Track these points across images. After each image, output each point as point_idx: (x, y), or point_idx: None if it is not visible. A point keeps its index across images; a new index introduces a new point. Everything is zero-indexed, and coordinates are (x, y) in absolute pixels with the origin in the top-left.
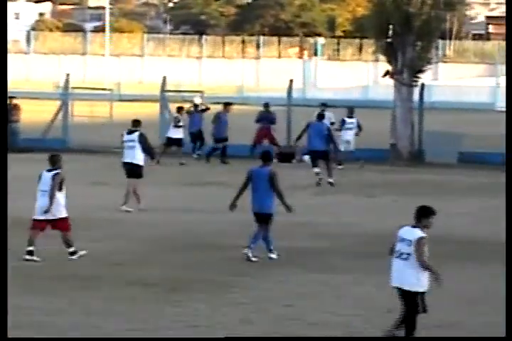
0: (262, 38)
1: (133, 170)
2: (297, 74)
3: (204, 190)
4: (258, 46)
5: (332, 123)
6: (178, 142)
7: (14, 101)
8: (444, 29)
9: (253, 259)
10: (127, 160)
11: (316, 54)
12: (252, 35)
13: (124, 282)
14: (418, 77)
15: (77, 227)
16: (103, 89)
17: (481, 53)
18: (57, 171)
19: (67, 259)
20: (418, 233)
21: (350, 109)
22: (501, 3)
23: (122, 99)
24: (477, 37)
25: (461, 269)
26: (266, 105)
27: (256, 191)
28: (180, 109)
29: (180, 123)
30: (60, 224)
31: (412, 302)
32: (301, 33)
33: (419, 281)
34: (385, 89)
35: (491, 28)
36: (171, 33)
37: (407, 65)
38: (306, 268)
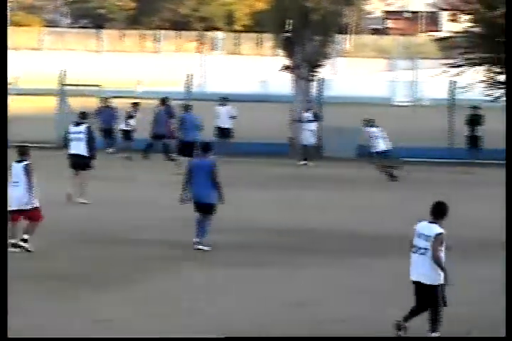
0: (160, 32)
1: (80, 162)
2: (196, 69)
3: (122, 184)
4: (157, 40)
5: (232, 117)
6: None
7: None
8: (342, 24)
9: (206, 249)
10: (74, 151)
11: (215, 48)
12: (150, 29)
13: (32, 276)
14: (316, 72)
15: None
16: None
17: (379, 48)
18: (27, 162)
19: None
20: (437, 229)
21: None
22: None
23: (21, 93)
24: (375, 31)
25: (360, 263)
26: (165, 99)
27: (197, 182)
28: (135, 104)
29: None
30: (33, 214)
31: (433, 296)
32: (200, 27)
33: (437, 275)
34: (283, 83)
35: (389, 23)
36: (70, 27)
37: (305, 59)
38: (210, 263)
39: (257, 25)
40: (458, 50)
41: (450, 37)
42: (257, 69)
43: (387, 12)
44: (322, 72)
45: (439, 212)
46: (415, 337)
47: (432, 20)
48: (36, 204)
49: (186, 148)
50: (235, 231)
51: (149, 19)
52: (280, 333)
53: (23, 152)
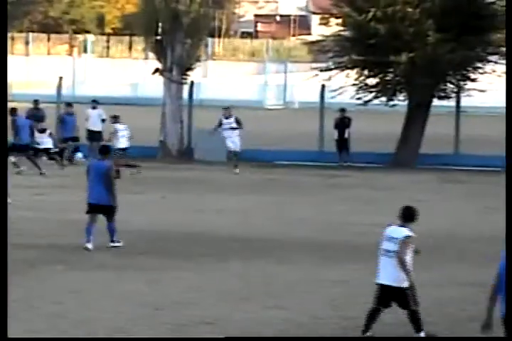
0: (30, 34)
1: None
2: (67, 72)
3: None
4: (27, 43)
5: (103, 120)
6: None
7: None
8: (213, 27)
9: (90, 248)
10: None
11: (85, 51)
12: (20, 31)
13: None
14: (187, 75)
15: None
16: None
17: (250, 51)
18: None
19: None
20: (406, 232)
21: (227, 108)
22: (269, 2)
23: None
24: (246, 35)
25: (220, 266)
26: (35, 102)
27: (94, 183)
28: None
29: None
30: None
31: (404, 298)
32: (71, 30)
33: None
34: (154, 86)
35: (260, 26)
36: None
37: (176, 62)
38: (72, 266)
39: (128, 28)
40: (329, 53)
41: (321, 40)
42: (128, 72)
43: (259, 15)
44: (193, 75)
45: (408, 215)
46: (415, 337)
47: (303, 24)
48: None
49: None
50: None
51: (19, 21)
52: (140, 335)
53: None
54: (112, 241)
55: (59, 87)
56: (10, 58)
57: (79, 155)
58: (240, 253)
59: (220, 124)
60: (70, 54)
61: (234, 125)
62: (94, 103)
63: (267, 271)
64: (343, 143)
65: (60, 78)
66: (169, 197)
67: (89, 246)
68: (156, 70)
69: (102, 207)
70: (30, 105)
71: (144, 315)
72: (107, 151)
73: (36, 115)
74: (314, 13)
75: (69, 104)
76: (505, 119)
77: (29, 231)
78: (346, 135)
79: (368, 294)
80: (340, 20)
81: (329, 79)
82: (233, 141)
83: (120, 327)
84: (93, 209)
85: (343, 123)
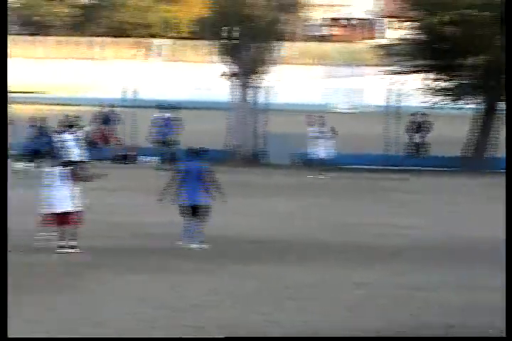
0: (101, 39)
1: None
2: (136, 76)
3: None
4: (97, 47)
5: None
6: None
7: None
8: (283, 31)
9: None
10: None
11: (155, 55)
12: (91, 36)
13: None
14: (255, 79)
15: None
16: None
17: (319, 55)
18: (70, 167)
19: None
20: None
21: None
22: (340, 5)
23: None
24: (315, 39)
25: (242, 269)
26: (105, 105)
27: (187, 184)
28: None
29: None
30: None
31: None
32: (140, 34)
33: None
34: (223, 90)
35: (329, 30)
36: (10, 34)
37: (244, 66)
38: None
39: (197, 32)
40: (397, 57)
41: (390, 44)
42: (196, 76)
43: (328, 19)
44: (261, 79)
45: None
46: (415, 337)
47: (372, 28)
48: (70, 208)
49: None
50: (137, 236)
51: (90, 26)
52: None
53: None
54: (199, 242)
55: (128, 91)
56: (80, 62)
57: (147, 158)
58: (278, 256)
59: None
60: (140, 58)
61: (324, 134)
62: (162, 107)
63: (288, 274)
64: (418, 147)
65: (130, 82)
66: (231, 201)
67: (193, 246)
68: (225, 74)
69: (198, 208)
70: (97, 109)
71: (163, 316)
72: (197, 153)
73: (106, 118)
74: (383, 16)
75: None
76: None
77: (88, 233)
78: (421, 139)
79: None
80: (408, 24)
81: (399, 82)
82: (322, 148)
83: (136, 328)
84: (187, 210)
85: (419, 127)
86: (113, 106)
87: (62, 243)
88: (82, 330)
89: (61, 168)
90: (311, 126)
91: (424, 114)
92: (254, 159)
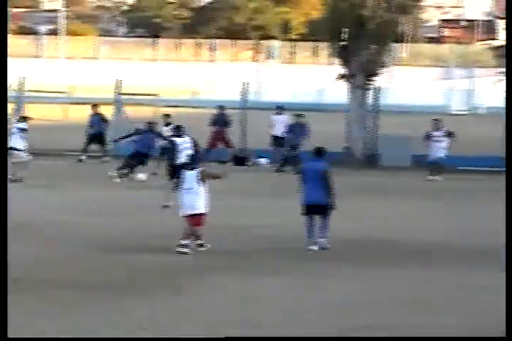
0: (216, 41)
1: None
2: (252, 78)
3: (137, 193)
4: (212, 49)
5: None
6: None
7: None
8: (398, 32)
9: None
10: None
11: (270, 57)
12: (206, 38)
13: (67, 284)
14: (372, 80)
15: (16, 229)
16: (57, 92)
17: (435, 56)
18: (200, 169)
19: (8, 260)
20: None
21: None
22: (455, 7)
23: (77, 102)
24: (431, 40)
25: (391, 271)
26: (220, 108)
27: (310, 184)
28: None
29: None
30: (198, 219)
31: None
32: (256, 36)
33: None
34: (339, 92)
35: (445, 31)
36: (125, 36)
37: (361, 68)
38: (248, 271)
39: (313, 33)
40: None
41: (504, 45)
42: (312, 78)
43: (444, 20)
44: (378, 81)
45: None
46: (416, 337)
47: (488, 29)
48: (203, 210)
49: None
50: (268, 240)
51: (205, 28)
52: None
53: (193, 160)
54: (322, 238)
55: (244, 93)
56: (195, 65)
57: (262, 160)
58: (411, 259)
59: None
60: (255, 60)
61: (441, 136)
62: (280, 109)
63: (431, 277)
64: None
65: (245, 84)
66: (352, 203)
67: (314, 247)
68: (341, 76)
69: (320, 207)
70: (215, 111)
71: (310, 319)
72: (321, 152)
73: (222, 120)
74: (500, 17)
75: (221, 108)
76: None
77: (210, 235)
78: None
79: None
80: None
81: None
82: (440, 150)
83: (309, 331)
84: (310, 210)
85: None
86: (228, 108)
87: (185, 242)
88: (231, 331)
89: (191, 171)
90: (435, 129)
91: None
92: (372, 161)
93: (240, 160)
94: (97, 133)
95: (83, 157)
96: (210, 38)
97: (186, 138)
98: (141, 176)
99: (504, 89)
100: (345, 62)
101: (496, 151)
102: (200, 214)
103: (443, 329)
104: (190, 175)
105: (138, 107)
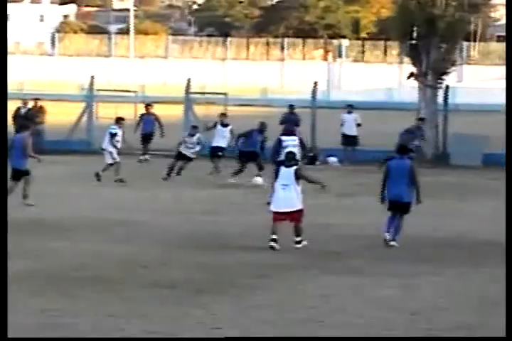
0: (286, 39)
1: None
2: (322, 77)
3: (218, 192)
4: (282, 48)
5: (358, 125)
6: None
7: (39, 103)
8: (469, 31)
9: (397, 245)
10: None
11: (340, 56)
12: (276, 37)
13: (147, 283)
14: (442, 79)
15: (96, 228)
16: (127, 91)
17: (505, 55)
18: (297, 167)
19: (88, 260)
20: None
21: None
22: None
23: (146, 101)
24: (502, 39)
25: (477, 271)
26: (291, 107)
27: (395, 181)
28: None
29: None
30: (297, 216)
31: None
32: (326, 35)
33: None
34: (409, 91)
35: None
36: (195, 35)
37: (431, 66)
38: (327, 270)
39: (383, 32)
40: None
41: None
42: (382, 76)
43: None
44: (448, 80)
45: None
46: (416, 337)
47: None
48: (300, 206)
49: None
50: (347, 239)
51: (275, 27)
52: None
53: (290, 159)
54: (393, 240)
55: (314, 92)
56: (265, 64)
57: (333, 159)
58: (494, 258)
59: None
60: (325, 59)
61: None
62: (350, 108)
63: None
64: None
65: (315, 83)
66: (424, 202)
67: (392, 242)
68: (411, 75)
69: (402, 205)
70: (285, 110)
71: (398, 319)
72: (406, 150)
73: (292, 119)
74: None
75: (291, 107)
76: None
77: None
78: None
79: None
80: None
81: None
82: None
83: (374, 330)
84: (393, 206)
85: None
86: (298, 107)
87: (274, 237)
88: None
89: (289, 168)
90: None
91: None
92: (442, 160)
93: (310, 159)
94: (148, 133)
95: (145, 157)
96: (280, 36)
97: (294, 137)
98: (258, 179)
99: (506, 88)
100: (416, 61)
101: None
102: (299, 211)
103: None
104: (287, 172)
105: (207, 106)
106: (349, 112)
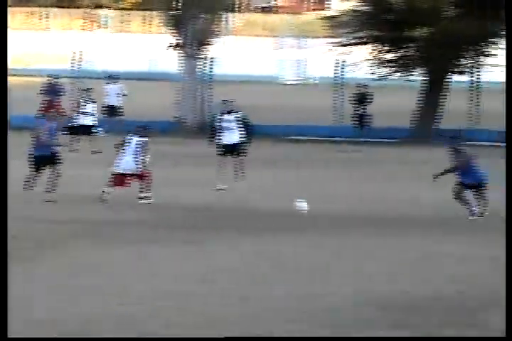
0: (48, 9)
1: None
2: (84, 46)
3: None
4: (45, 17)
5: (124, 95)
6: None
7: None
8: (231, 2)
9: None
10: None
11: (103, 26)
12: (38, 6)
13: None
14: (204, 50)
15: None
16: None
17: (268, 26)
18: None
19: None
20: None
21: None
22: None
23: None
24: (263, 10)
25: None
26: (51, 76)
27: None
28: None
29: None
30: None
31: None
32: (88, 5)
33: None
34: (171, 61)
35: (277, 1)
36: None
37: (193, 37)
38: (112, 240)
39: (145, 2)
40: (346, 28)
41: (338, 15)
42: (145, 47)
43: None
44: (210, 50)
45: None
46: (416, 337)
47: None
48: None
49: None
50: (150, 208)
51: None
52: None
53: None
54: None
55: (75, 62)
56: (26, 33)
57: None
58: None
59: None
60: (87, 29)
61: None
62: (112, 78)
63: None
64: (361, 119)
65: (76, 53)
66: (191, 171)
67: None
68: (173, 45)
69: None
70: (45, 80)
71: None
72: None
73: (52, 89)
74: None
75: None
76: None
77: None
78: (365, 111)
79: None
80: None
81: (346, 54)
82: None
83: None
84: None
85: (362, 98)
86: (59, 77)
87: None
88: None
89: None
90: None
91: (365, 86)
92: (204, 130)
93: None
94: None
95: None
96: (42, 6)
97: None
98: None
99: (504, 89)
100: (178, 31)
101: (326, 121)
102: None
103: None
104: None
105: None
106: (112, 82)
